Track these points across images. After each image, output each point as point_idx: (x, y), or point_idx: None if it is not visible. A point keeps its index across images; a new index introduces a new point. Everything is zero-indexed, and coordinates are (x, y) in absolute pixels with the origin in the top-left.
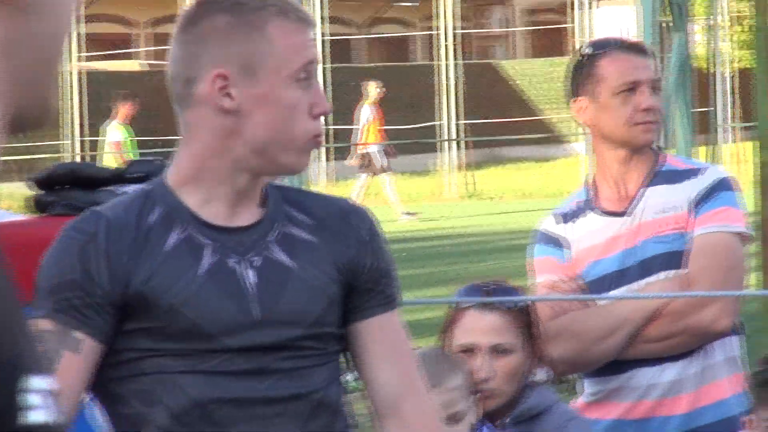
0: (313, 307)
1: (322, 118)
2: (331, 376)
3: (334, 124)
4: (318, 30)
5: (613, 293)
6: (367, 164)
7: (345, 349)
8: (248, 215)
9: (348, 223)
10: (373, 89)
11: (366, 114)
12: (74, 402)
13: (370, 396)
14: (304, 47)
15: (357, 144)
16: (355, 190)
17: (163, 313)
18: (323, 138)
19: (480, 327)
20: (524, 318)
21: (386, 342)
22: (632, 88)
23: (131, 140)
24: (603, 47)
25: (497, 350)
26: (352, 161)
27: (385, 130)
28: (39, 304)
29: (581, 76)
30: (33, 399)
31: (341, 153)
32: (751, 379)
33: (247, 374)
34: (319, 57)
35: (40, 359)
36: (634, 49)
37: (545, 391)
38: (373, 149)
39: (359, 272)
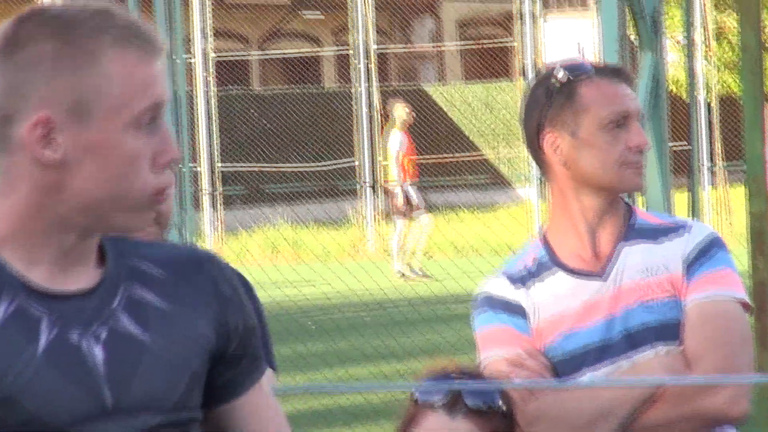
0: (173, 389)
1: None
2: None
3: (222, 164)
4: (198, 47)
5: (598, 372)
6: (405, 204)
7: None
8: (85, 277)
9: (204, 275)
10: (400, 111)
11: (396, 142)
12: None
13: None
14: (149, 84)
15: (385, 182)
16: (394, 239)
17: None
18: (170, 192)
19: None
20: (500, 423)
21: (260, 418)
22: (621, 121)
23: None
24: (582, 71)
25: None
26: (395, 202)
27: (289, 173)
28: None
29: (554, 106)
30: None
31: (231, 200)
32: None
33: None
34: (200, 81)
35: None
36: (618, 74)
37: None
38: (407, 186)
39: (227, 336)
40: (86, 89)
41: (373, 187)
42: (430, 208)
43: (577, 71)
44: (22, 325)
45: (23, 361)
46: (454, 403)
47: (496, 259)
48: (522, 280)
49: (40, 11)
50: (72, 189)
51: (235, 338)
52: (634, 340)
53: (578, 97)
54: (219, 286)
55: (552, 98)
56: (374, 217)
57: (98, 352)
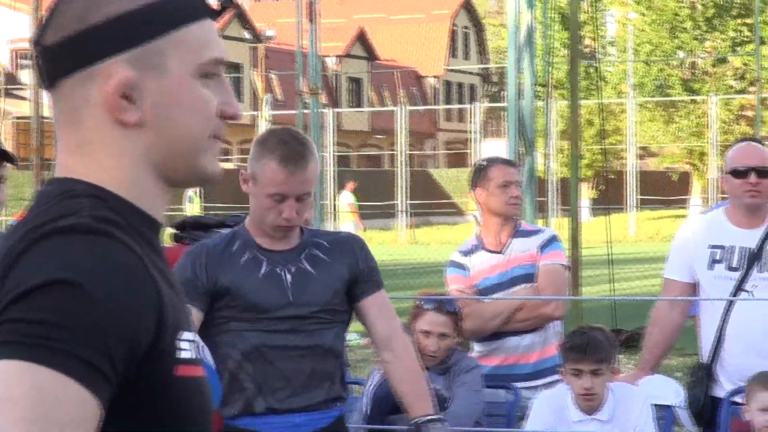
0: (324, 296)
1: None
2: (336, 335)
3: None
4: (329, 148)
5: (496, 295)
6: None
7: (348, 319)
8: (289, 242)
9: (347, 245)
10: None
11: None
12: None
13: (373, 340)
14: (279, 183)
15: None
16: None
17: (238, 297)
18: (291, 229)
19: (434, 321)
20: (456, 317)
21: (378, 308)
22: (507, 185)
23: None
24: (493, 161)
25: (442, 335)
26: None
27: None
28: None
29: (479, 177)
30: (185, 344)
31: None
32: (561, 346)
33: (284, 332)
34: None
35: (188, 322)
36: (509, 163)
37: (462, 353)
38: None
39: (357, 273)
40: (256, 169)
41: (404, 212)
42: (430, 223)
43: (490, 161)
44: (254, 264)
45: (253, 278)
46: (439, 308)
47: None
48: (467, 253)
49: None
50: (254, 207)
51: (361, 273)
52: (515, 282)
53: (489, 172)
54: (355, 252)
55: (480, 173)
56: (404, 226)
57: (288, 277)
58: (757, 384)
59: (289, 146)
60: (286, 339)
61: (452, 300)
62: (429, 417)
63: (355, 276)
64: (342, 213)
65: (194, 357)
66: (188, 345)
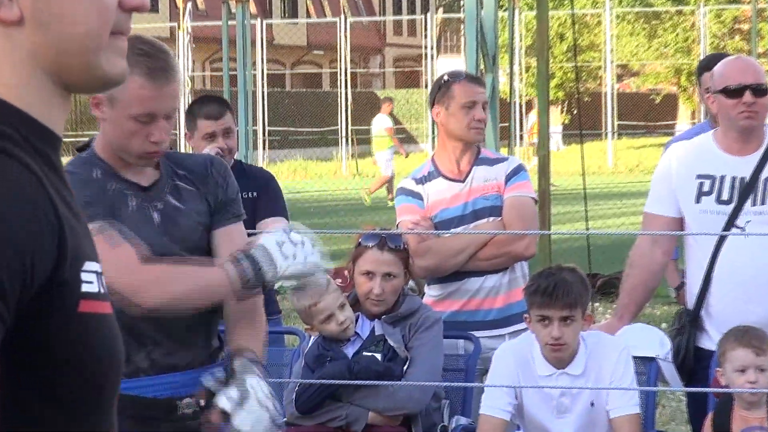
0: (194, 231)
1: None
2: None
3: (269, 126)
4: (259, 66)
5: (458, 230)
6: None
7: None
8: (149, 176)
9: (209, 171)
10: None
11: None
12: None
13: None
14: (145, 101)
15: None
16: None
17: None
18: (160, 153)
19: (377, 260)
20: (404, 254)
21: (231, 240)
22: (471, 105)
23: None
24: (455, 77)
25: (388, 275)
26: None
27: (302, 132)
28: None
29: (439, 94)
30: (89, 276)
31: (273, 144)
32: (525, 290)
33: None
34: (259, 85)
35: (93, 250)
36: (476, 80)
37: (414, 298)
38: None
39: (217, 202)
40: (115, 90)
41: (345, 139)
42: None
43: (453, 76)
44: (121, 197)
45: (123, 213)
46: (382, 245)
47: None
48: (421, 181)
49: None
50: (109, 137)
51: (219, 202)
52: (477, 215)
53: (451, 90)
54: (216, 177)
55: (440, 89)
56: (345, 155)
57: (156, 216)
58: (731, 341)
59: (153, 58)
60: None
61: (399, 236)
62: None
63: (215, 205)
64: (377, 139)
65: (100, 291)
66: (93, 277)
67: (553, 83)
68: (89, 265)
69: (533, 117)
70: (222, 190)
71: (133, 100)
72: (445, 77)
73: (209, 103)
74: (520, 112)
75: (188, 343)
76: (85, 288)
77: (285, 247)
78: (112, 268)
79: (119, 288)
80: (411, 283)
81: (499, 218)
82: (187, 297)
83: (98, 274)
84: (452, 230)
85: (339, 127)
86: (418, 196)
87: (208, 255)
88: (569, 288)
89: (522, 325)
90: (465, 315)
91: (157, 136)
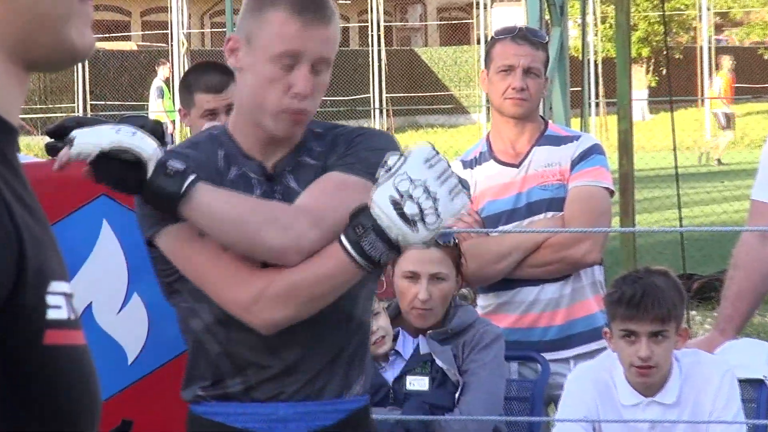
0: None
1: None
2: (354, 291)
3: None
4: None
5: (508, 227)
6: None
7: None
8: (279, 156)
9: (340, 139)
10: (726, 62)
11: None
12: None
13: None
14: (289, 38)
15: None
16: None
17: None
18: (303, 116)
19: (423, 258)
20: (455, 252)
21: (320, 184)
22: (507, 70)
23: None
24: (501, 34)
25: (435, 278)
26: None
27: (329, 101)
28: None
29: (486, 54)
30: (56, 300)
31: None
32: (605, 299)
33: None
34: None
35: (61, 267)
36: (524, 38)
37: (470, 309)
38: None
39: (330, 163)
40: (252, 29)
41: (380, 110)
42: (416, 126)
43: (499, 33)
44: (245, 183)
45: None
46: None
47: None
48: (470, 164)
49: None
50: (245, 90)
51: (333, 161)
52: (532, 208)
53: (492, 51)
54: (339, 144)
55: (487, 50)
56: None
57: (278, 197)
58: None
59: None
60: None
61: (447, 231)
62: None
63: (330, 167)
64: None
65: (70, 317)
66: (62, 300)
67: (635, 36)
68: (57, 286)
69: (719, 80)
70: (342, 147)
71: (276, 36)
72: (494, 34)
73: (209, 72)
74: (596, 73)
75: (302, 369)
76: (51, 314)
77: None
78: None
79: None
80: (463, 290)
81: (560, 214)
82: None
83: (67, 296)
84: (497, 229)
85: (371, 95)
86: (463, 184)
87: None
88: (660, 296)
89: (589, 346)
90: (518, 333)
91: (301, 87)
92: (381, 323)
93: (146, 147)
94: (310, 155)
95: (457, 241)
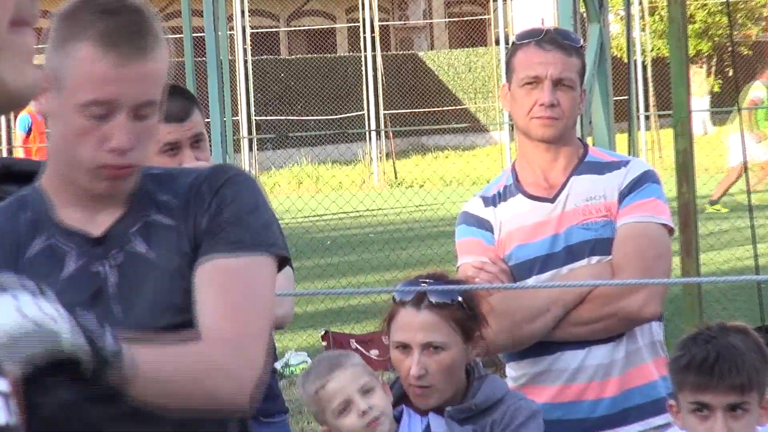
0: (174, 299)
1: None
2: None
3: (256, 115)
4: (238, 23)
5: (543, 277)
6: None
7: None
8: (114, 214)
9: (201, 189)
10: None
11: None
12: None
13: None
14: (99, 82)
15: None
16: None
17: None
18: (126, 171)
19: (413, 324)
20: (459, 312)
21: (211, 279)
22: (532, 82)
23: None
24: (524, 38)
25: (430, 347)
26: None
27: (310, 122)
28: None
29: (507, 64)
30: None
31: (264, 144)
32: (670, 364)
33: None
34: (239, 50)
35: None
36: (552, 43)
37: (498, 381)
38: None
39: (199, 231)
40: (59, 66)
41: (377, 132)
42: (422, 149)
43: (520, 38)
44: (52, 256)
45: (48, 285)
46: (419, 300)
47: (475, 189)
48: (493, 201)
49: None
50: (54, 141)
51: (204, 228)
52: (573, 252)
53: (513, 59)
54: (204, 196)
55: (507, 58)
56: (378, 156)
57: (112, 276)
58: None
59: (113, 17)
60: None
61: (469, 286)
62: None
63: (201, 235)
64: None
65: (8, 423)
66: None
67: (692, 30)
68: None
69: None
70: (214, 206)
71: (81, 80)
72: (514, 39)
73: (168, 97)
74: (644, 77)
75: None
76: None
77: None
78: None
79: None
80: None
81: (607, 258)
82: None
83: (5, 396)
84: (531, 280)
85: (365, 113)
86: (485, 225)
87: (191, 323)
88: (739, 360)
89: (649, 423)
90: (561, 409)
91: (118, 141)
92: (375, 401)
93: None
94: (160, 211)
95: (461, 299)
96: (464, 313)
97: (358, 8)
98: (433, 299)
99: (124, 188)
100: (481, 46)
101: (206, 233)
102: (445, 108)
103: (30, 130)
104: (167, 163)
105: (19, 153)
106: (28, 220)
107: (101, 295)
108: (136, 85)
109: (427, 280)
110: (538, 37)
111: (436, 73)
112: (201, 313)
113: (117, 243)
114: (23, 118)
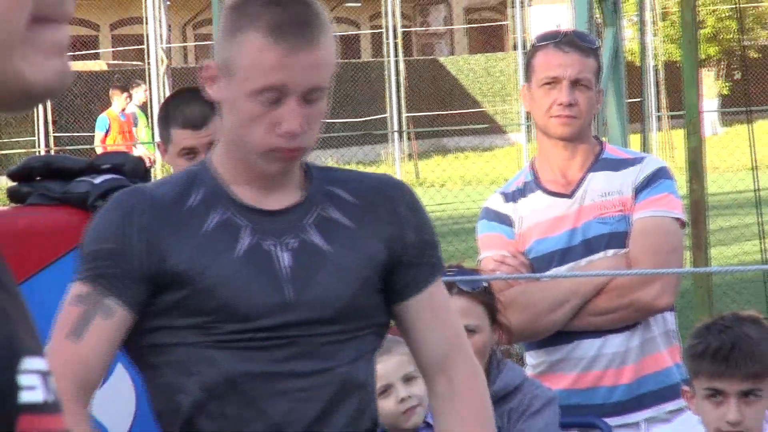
0: (344, 291)
1: None
2: (357, 354)
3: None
4: None
5: (562, 269)
6: None
7: (385, 329)
8: (287, 197)
9: (387, 199)
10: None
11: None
12: (103, 365)
13: (419, 360)
14: (269, 69)
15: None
16: None
17: (199, 293)
18: (297, 153)
19: None
20: (486, 298)
21: (434, 310)
22: (551, 83)
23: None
24: (544, 40)
25: (465, 330)
26: None
27: (337, 124)
28: (79, 269)
29: (527, 65)
30: (30, 379)
31: None
32: (686, 352)
33: (274, 350)
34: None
35: (35, 341)
36: (570, 45)
37: (516, 368)
38: None
39: (403, 248)
40: (230, 56)
41: (399, 133)
42: (443, 150)
43: (541, 39)
44: (228, 232)
45: (224, 259)
46: (449, 288)
47: (494, 188)
48: (513, 197)
49: None
50: (226, 126)
51: (409, 249)
52: (590, 246)
53: (533, 60)
54: (399, 207)
55: (527, 59)
56: (400, 156)
57: (285, 259)
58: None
59: (282, 7)
60: (280, 365)
61: (490, 277)
62: None
63: (399, 255)
64: None
65: (47, 400)
66: (37, 380)
67: (702, 35)
68: (30, 363)
69: None
70: (411, 228)
71: (252, 68)
72: (535, 40)
73: (189, 103)
74: (656, 80)
75: None
76: (25, 397)
77: None
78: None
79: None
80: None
81: (623, 251)
82: None
83: (44, 374)
84: (549, 273)
85: (388, 115)
86: (505, 221)
87: (365, 319)
88: (754, 349)
89: (663, 408)
90: (578, 395)
91: (290, 125)
92: (415, 391)
93: None
94: (337, 207)
95: (486, 285)
96: (491, 298)
97: (382, 15)
98: (464, 286)
99: (291, 170)
100: (499, 51)
101: (412, 250)
102: (464, 110)
103: (108, 130)
104: (184, 166)
105: (97, 152)
106: (203, 195)
107: (275, 275)
108: (305, 73)
109: (453, 269)
110: (556, 39)
111: (456, 77)
112: (443, 331)
113: (292, 230)
114: (102, 118)
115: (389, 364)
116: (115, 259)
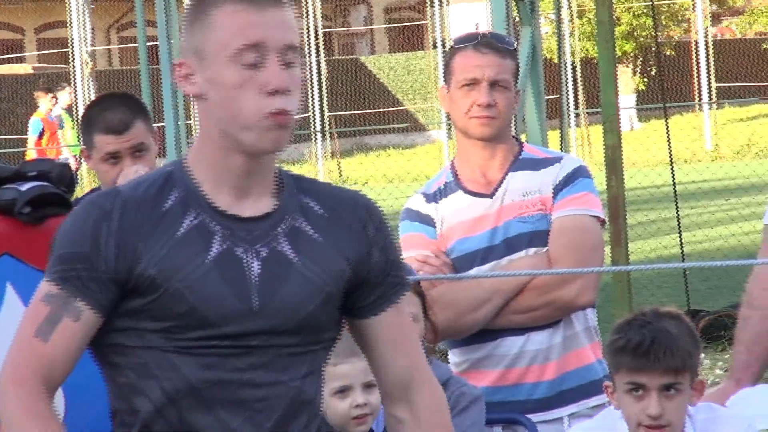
0: (307, 303)
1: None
2: (309, 369)
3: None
4: None
5: (484, 268)
6: None
7: (333, 345)
8: (260, 205)
9: (356, 218)
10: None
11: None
12: (68, 365)
13: (380, 380)
14: (245, 28)
15: None
16: None
17: (170, 297)
18: (287, 117)
19: None
20: (420, 290)
21: (397, 331)
22: (470, 84)
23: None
24: (462, 42)
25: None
26: None
27: None
28: (50, 269)
29: (445, 67)
30: None
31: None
32: (607, 347)
33: (235, 358)
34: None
35: None
36: (488, 46)
37: (441, 366)
38: None
39: (368, 267)
40: (201, 39)
41: (322, 133)
42: (366, 148)
43: (458, 42)
44: (200, 236)
45: (195, 264)
46: None
47: (416, 185)
48: (434, 197)
49: None
50: (212, 116)
51: (374, 269)
52: (511, 245)
53: (451, 62)
54: (368, 227)
55: (445, 61)
56: (323, 155)
57: (255, 267)
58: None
59: None
60: (241, 374)
61: (412, 278)
62: None
63: (364, 275)
64: None
65: None
66: None
67: (618, 32)
68: None
69: None
70: (378, 247)
71: (229, 33)
72: (452, 43)
73: (111, 109)
74: (574, 77)
75: None
76: None
77: None
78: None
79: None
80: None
81: (544, 249)
82: None
83: None
84: (472, 271)
85: (311, 115)
86: (427, 221)
87: (321, 333)
88: (673, 344)
89: (586, 403)
90: (502, 392)
91: (276, 82)
92: (372, 400)
93: None
94: (307, 218)
95: (416, 284)
96: (419, 294)
97: (302, 16)
98: None
99: (283, 143)
100: (419, 50)
101: (377, 270)
102: (386, 109)
103: (42, 133)
104: (109, 171)
105: (31, 155)
106: (178, 197)
107: (244, 282)
108: (279, 29)
109: None
110: (474, 41)
111: (377, 76)
112: (407, 354)
113: (264, 238)
114: (35, 121)
115: (355, 367)
116: (86, 263)
